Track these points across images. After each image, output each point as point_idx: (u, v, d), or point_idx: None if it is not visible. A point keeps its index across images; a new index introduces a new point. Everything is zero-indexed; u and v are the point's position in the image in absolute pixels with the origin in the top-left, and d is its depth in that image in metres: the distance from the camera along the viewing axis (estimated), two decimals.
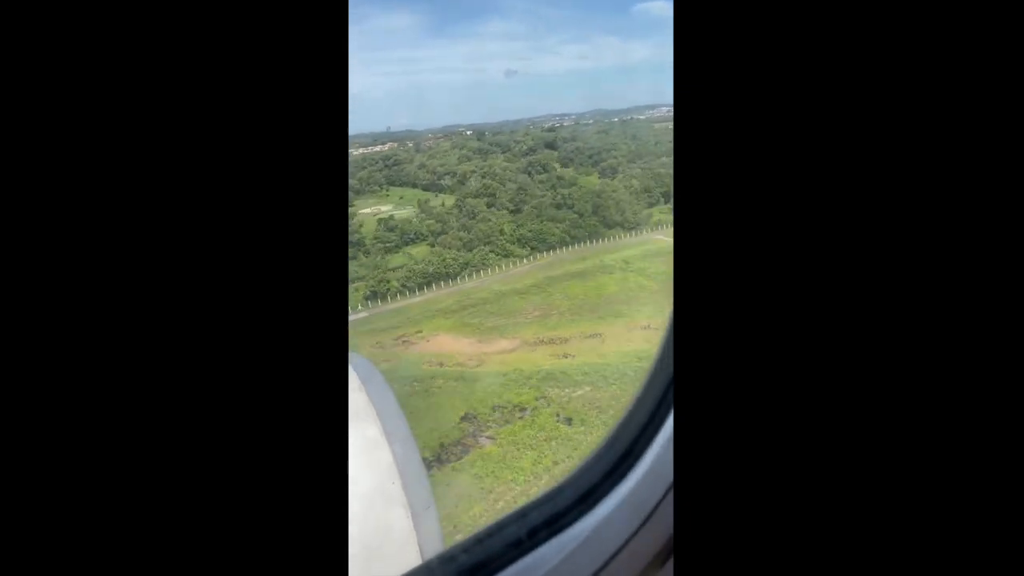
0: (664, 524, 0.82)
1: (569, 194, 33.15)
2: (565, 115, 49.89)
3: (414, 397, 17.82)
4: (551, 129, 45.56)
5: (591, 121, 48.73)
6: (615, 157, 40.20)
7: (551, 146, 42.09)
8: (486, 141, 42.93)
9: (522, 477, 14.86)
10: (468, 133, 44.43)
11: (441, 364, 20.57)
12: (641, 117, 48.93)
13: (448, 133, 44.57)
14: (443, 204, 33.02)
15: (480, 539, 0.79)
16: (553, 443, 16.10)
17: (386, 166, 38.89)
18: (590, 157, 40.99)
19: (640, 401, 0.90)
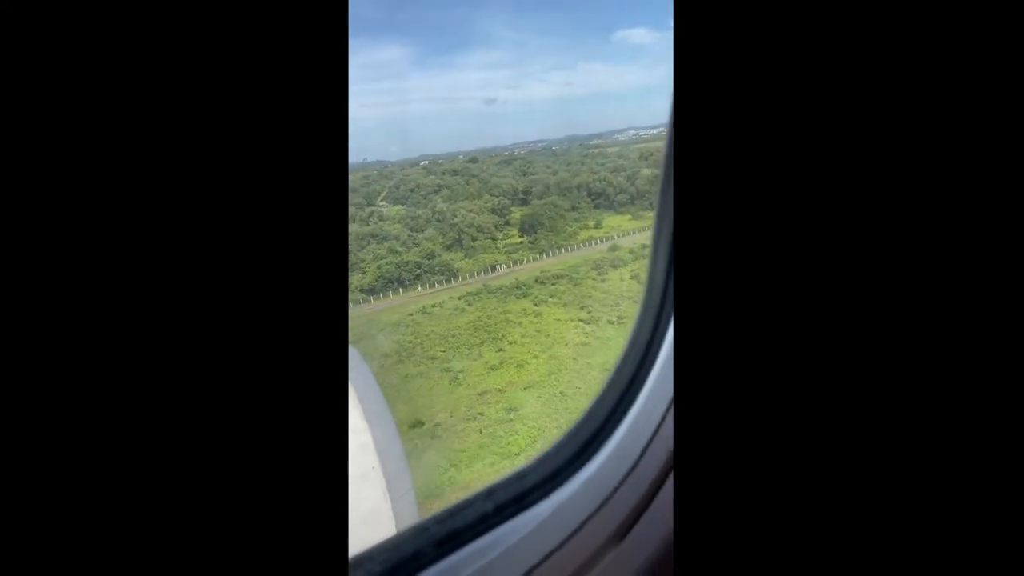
0: (621, 506, 0.88)
1: None
2: (539, 141, 42.38)
3: None
4: (473, 160, 37.50)
5: (539, 148, 38.53)
6: (432, 200, 30.13)
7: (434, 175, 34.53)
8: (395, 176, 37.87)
9: None
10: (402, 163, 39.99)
11: None
12: (593, 142, 36.43)
13: (411, 164, 40.95)
14: None
15: (452, 512, 0.83)
16: None
17: None
18: (424, 196, 31.86)
19: (604, 393, 0.93)
